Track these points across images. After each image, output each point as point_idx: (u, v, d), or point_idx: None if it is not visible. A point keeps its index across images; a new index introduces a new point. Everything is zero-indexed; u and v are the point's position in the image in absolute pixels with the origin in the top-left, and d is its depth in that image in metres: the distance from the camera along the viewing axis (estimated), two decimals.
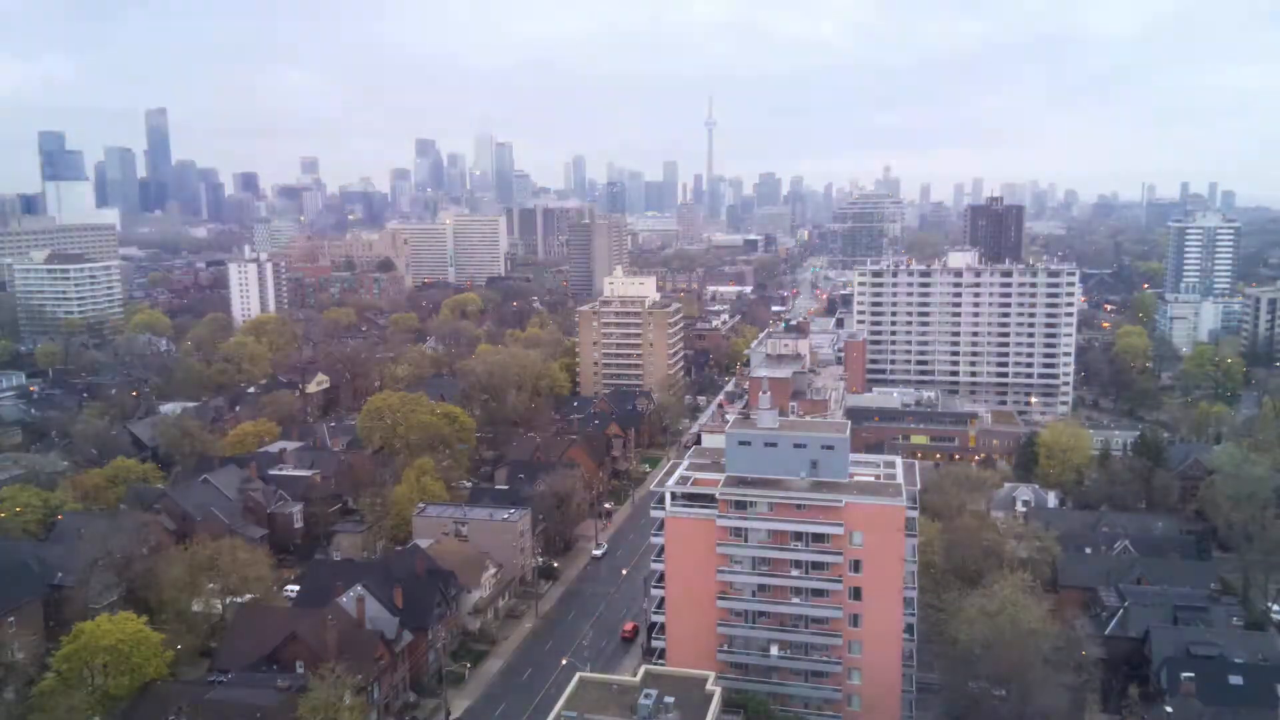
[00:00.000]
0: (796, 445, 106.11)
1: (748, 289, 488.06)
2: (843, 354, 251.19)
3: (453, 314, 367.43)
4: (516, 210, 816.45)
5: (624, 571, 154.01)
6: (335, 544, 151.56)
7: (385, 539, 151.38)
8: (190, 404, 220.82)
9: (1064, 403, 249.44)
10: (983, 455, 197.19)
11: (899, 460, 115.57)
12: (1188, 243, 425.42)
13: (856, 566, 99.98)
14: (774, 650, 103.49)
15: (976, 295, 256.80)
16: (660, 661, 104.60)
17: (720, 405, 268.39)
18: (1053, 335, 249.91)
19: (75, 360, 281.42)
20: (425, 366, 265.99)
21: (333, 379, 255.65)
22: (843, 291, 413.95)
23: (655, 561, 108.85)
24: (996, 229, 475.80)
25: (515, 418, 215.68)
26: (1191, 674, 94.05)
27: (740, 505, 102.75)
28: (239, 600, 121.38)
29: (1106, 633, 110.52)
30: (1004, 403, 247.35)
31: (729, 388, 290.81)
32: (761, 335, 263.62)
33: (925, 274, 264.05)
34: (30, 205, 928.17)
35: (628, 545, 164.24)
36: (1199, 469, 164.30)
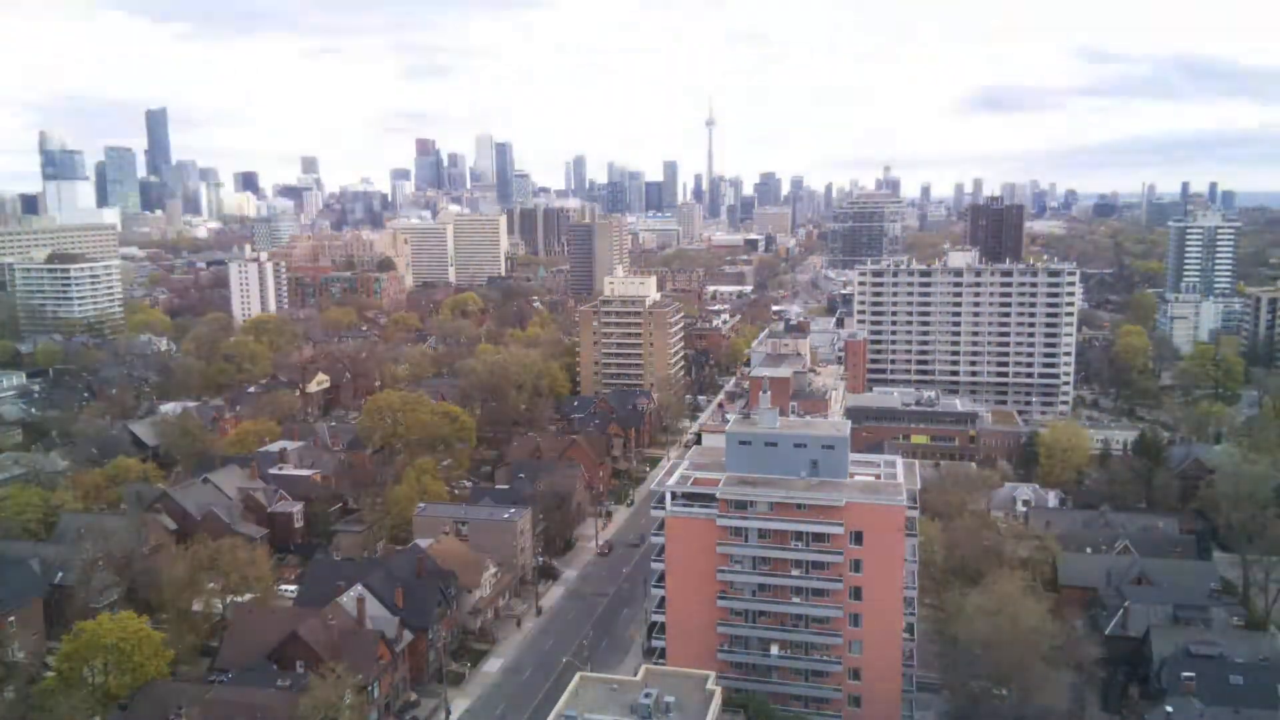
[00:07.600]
0: (796, 445, 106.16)
1: (748, 289, 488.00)
2: (843, 354, 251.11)
3: (453, 314, 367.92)
4: (517, 210, 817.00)
5: (624, 570, 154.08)
6: (335, 544, 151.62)
7: (385, 539, 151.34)
8: (190, 404, 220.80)
9: (1064, 403, 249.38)
10: (983, 455, 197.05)
11: (899, 460, 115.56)
12: (1188, 242, 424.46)
13: (857, 566, 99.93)
14: (774, 650, 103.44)
15: (976, 295, 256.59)
16: (660, 661, 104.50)
17: (720, 405, 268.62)
18: (1053, 335, 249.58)
19: (75, 360, 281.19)
20: (425, 366, 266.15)
21: (333, 379, 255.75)
22: (843, 291, 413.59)
23: (655, 561, 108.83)
24: (996, 229, 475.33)
25: (515, 418, 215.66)
26: (1191, 674, 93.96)
27: (740, 505, 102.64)
28: (239, 600, 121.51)
29: (1106, 633, 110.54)
30: (1004, 403, 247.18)
31: (729, 387, 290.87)
32: (761, 335, 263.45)
33: (925, 274, 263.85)
34: (30, 205, 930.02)
35: (626, 546, 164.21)
36: (1199, 469, 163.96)
